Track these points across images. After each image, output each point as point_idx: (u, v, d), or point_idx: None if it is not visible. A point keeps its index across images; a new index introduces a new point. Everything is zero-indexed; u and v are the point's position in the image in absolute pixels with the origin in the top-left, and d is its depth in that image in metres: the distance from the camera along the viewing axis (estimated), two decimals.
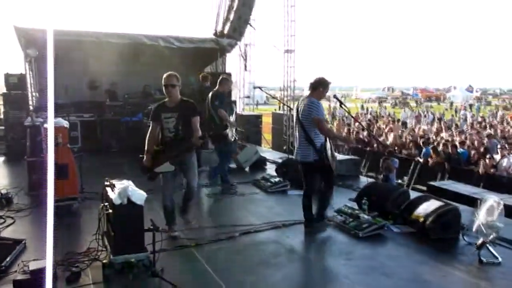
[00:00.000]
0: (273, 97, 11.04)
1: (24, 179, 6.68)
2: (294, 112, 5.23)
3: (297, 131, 5.10)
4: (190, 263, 4.25)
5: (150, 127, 4.76)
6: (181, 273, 3.96)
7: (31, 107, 9.95)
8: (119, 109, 11.29)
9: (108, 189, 4.10)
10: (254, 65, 15.10)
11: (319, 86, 5.02)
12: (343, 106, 5.51)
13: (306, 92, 5.34)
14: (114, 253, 3.79)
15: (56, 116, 6.59)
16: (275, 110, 24.16)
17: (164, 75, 4.69)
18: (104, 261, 3.86)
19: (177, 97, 4.69)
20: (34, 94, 10.24)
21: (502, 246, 4.60)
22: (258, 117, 13.24)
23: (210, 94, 6.92)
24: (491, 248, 4.38)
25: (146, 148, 4.70)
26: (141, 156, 4.71)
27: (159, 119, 4.69)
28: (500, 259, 4.29)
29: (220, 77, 7.17)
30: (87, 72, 11.27)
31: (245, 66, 14.91)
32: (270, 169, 8.63)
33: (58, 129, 5.61)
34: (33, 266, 3.66)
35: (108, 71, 11.01)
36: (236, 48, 12.94)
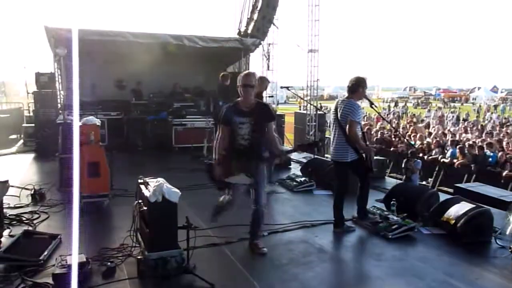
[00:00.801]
0: (301, 98, 11.05)
1: (56, 175, 6.87)
2: (332, 113, 5.30)
3: (334, 131, 5.15)
4: (221, 261, 4.33)
5: (220, 132, 4.30)
6: (213, 270, 4.03)
7: (59, 105, 10.21)
8: (144, 108, 11.49)
9: (142, 186, 4.19)
10: (277, 65, 15.13)
11: (359, 87, 5.05)
12: (373, 106, 5.49)
13: (344, 94, 5.38)
14: (149, 250, 3.87)
15: (83, 114, 6.77)
16: (298, 109, 24.12)
17: (242, 74, 4.30)
18: (139, 257, 3.96)
19: (252, 99, 4.24)
20: (62, 92, 10.48)
21: None
22: (281, 117, 13.25)
23: None
24: None
25: (216, 155, 4.28)
26: (206, 161, 4.67)
27: (231, 123, 4.22)
28: None
29: (259, 76, 7.24)
30: (114, 71, 11.49)
31: (268, 66, 14.93)
32: (295, 169, 8.65)
33: (90, 126, 5.75)
34: (70, 260, 3.78)
35: (134, 71, 11.19)
36: (260, 48, 13.01)
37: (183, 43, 10.77)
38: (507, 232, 4.47)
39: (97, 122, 6.01)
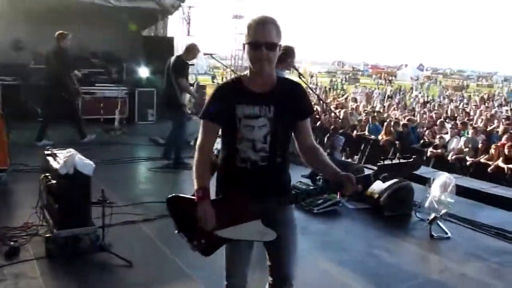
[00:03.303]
0: (226, 67, 11.15)
1: None
2: None
3: None
4: (139, 239, 4.39)
5: (202, 133, 2.41)
6: (130, 248, 4.08)
7: None
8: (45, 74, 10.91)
9: (50, 158, 4.11)
10: (198, 30, 15.06)
11: (287, 57, 4.78)
12: (301, 77, 5.77)
13: None
14: (59, 227, 3.84)
15: None
16: (221, 81, 24.19)
17: (253, 21, 2.28)
18: (47, 235, 3.91)
19: (273, 73, 2.38)
20: None
21: (451, 222, 5.15)
22: (203, 88, 13.29)
23: (172, 60, 6.76)
24: (441, 224, 4.91)
25: (196, 179, 2.34)
26: (170, 196, 2.45)
27: (227, 119, 2.36)
28: (449, 234, 4.82)
29: (190, 44, 7.12)
30: (10, 32, 10.73)
31: (188, 31, 14.82)
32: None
33: None
34: None
35: (34, 32, 10.53)
36: (180, 11, 12.85)
37: (92, 1, 10.33)
38: (426, 205, 5.00)
39: None
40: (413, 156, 2.40)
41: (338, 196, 5.26)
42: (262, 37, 2.21)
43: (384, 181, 2.36)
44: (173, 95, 6.67)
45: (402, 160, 2.38)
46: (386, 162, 2.36)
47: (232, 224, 2.32)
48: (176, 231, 2.41)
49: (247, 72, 2.40)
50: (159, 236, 4.39)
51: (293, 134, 2.44)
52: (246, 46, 2.27)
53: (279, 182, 2.44)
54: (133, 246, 4.16)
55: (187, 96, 6.74)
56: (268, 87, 2.35)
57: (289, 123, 2.39)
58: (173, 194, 2.44)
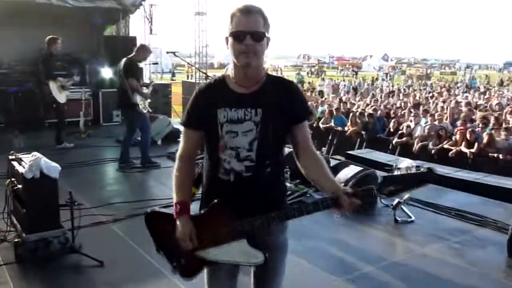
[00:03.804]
0: (190, 65, 11.17)
1: None
2: None
3: None
4: (110, 238, 4.46)
5: (182, 141, 2.23)
6: (101, 248, 4.13)
7: None
8: (4, 78, 10.73)
9: (15, 163, 4.12)
10: (160, 28, 15.00)
11: None
12: None
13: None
14: (27, 231, 3.87)
15: None
16: (186, 78, 24.14)
17: (237, 9, 2.01)
18: (16, 240, 3.93)
19: (260, 71, 2.12)
20: None
21: (414, 206, 5.39)
22: (168, 87, 13.30)
23: (123, 61, 6.80)
24: (405, 208, 5.15)
25: (174, 192, 2.14)
26: (149, 211, 2.24)
27: (206, 124, 2.12)
28: (413, 217, 5.06)
29: (139, 44, 7.16)
30: None
31: (151, 30, 14.74)
32: None
33: None
34: None
35: None
36: (141, 9, 12.80)
37: (50, 2, 10.18)
38: None
39: None
40: (422, 168, 2.12)
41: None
42: (247, 26, 1.97)
43: (389, 195, 2.12)
44: (125, 96, 6.71)
45: (409, 171, 2.10)
46: (392, 173, 2.12)
47: (214, 244, 2.06)
48: (155, 250, 2.21)
49: (231, 69, 2.11)
50: (130, 235, 4.46)
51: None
52: (229, 38, 2.00)
53: (268, 197, 2.12)
54: (104, 246, 4.22)
55: (138, 96, 6.77)
56: (255, 86, 2.08)
57: (280, 127, 2.09)
58: (152, 210, 2.23)
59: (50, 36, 8.20)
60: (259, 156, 2.07)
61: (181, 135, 2.23)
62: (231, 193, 2.07)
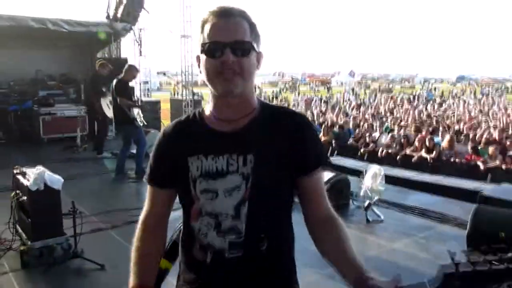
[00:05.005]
0: (178, 82, 11.16)
1: None
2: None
3: None
4: (110, 244, 4.42)
5: (146, 202, 1.51)
6: (101, 253, 4.09)
7: None
8: (4, 97, 10.57)
9: (19, 177, 4.07)
10: (149, 50, 14.99)
11: None
12: None
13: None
14: (32, 239, 3.81)
15: None
16: (171, 96, 24.07)
17: (211, 13, 1.29)
18: (21, 248, 3.87)
19: (249, 97, 1.37)
20: None
21: (383, 207, 5.47)
22: (157, 103, 13.26)
23: (114, 82, 6.80)
24: (375, 209, 5.22)
25: (131, 272, 1.43)
26: None
27: (179, 180, 1.37)
28: (382, 217, 5.15)
29: (128, 65, 7.16)
30: None
31: (140, 51, 14.70)
32: None
33: None
34: None
35: None
36: (131, 33, 12.76)
37: (46, 27, 10.07)
38: (361, 194, 5.31)
39: None
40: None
41: None
42: (226, 35, 1.24)
43: None
44: (123, 113, 6.72)
45: (477, 268, 1.52)
46: (456, 269, 1.47)
47: None
48: None
49: (209, 101, 1.38)
50: (128, 240, 4.37)
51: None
52: (201, 55, 1.29)
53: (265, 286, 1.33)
54: (104, 251, 4.18)
55: (136, 110, 6.80)
56: (242, 121, 1.32)
57: (282, 180, 1.33)
58: None
59: (100, 61, 8.52)
60: (250, 226, 1.28)
61: (146, 200, 1.48)
62: (208, 281, 1.32)
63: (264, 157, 1.29)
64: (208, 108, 1.40)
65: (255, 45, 1.31)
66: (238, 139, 1.31)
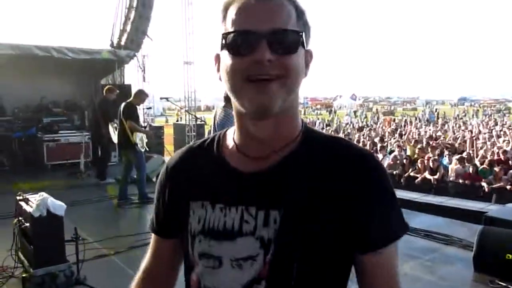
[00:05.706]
0: (185, 110, 11.29)
1: None
2: (212, 121, 5.67)
3: None
4: (112, 270, 4.37)
5: (148, 251, 1.12)
6: (104, 279, 4.07)
7: None
8: (8, 124, 10.67)
9: (22, 203, 4.06)
10: (153, 76, 15.12)
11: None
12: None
13: (221, 104, 5.74)
14: (34, 267, 3.78)
15: None
16: (175, 121, 24.21)
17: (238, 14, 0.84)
18: (24, 275, 3.83)
19: (292, 119, 0.92)
20: None
21: None
22: (160, 128, 13.34)
23: (123, 105, 6.83)
24: None
25: None
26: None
27: (180, 231, 0.96)
28: None
29: (137, 90, 7.29)
30: None
31: (144, 78, 14.85)
32: None
33: None
34: None
35: None
36: (135, 60, 12.92)
37: (51, 55, 10.23)
38: None
39: None
40: None
41: None
42: (261, 21, 0.82)
43: None
44: (125, 137, 6.74)
45: None
46: None
47: None
48: None
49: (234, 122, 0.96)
50: (131, 266, 4.36)
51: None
52: (222, 52, 0.86)
53: None
54: (107, 277, 4.15)
55: (139, 135, 6.82)
56: (274, 157, 0.90)
57: (326, 257, 0.89)
58: None
59: (108, 86, 8.63)
60: None
61: (147, 255, 1.15)
62: None
63: (298, 217, 0.84)
64: (231, 132, 0.97)
65: (304, 39, 0.86)
66: (262, 184, 0.87)
